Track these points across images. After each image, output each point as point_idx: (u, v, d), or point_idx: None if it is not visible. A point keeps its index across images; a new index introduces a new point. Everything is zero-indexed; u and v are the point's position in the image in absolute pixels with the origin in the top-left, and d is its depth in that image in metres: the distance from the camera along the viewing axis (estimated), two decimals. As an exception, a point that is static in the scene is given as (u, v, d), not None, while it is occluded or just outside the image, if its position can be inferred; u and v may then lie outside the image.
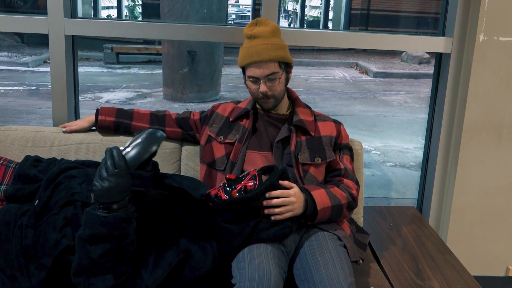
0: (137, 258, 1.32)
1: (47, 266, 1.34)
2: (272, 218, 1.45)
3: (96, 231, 1.24)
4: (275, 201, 1.45)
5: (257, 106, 1.75)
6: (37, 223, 1.40)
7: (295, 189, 1.49)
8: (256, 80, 1.62)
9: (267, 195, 1.44)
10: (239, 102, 1.81)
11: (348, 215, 1.67)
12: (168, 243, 1.36)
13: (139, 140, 1.34)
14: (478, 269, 2.30)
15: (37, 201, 1.46)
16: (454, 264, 1.83)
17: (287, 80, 1.68)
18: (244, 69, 1.67)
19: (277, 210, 1.45)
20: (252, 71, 1.62)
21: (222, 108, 1.80)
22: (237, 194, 1.43)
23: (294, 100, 1.77)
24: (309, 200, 1.52)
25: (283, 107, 1.73)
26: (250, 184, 1.44)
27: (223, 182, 1.50)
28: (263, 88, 1.61)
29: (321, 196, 1.54)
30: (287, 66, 1.67)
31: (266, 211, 1.45)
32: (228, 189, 1.45)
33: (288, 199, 1.47)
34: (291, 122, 1.69)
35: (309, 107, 1.77)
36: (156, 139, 1.36)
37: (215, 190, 1.48)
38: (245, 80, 1.67)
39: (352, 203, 1.64)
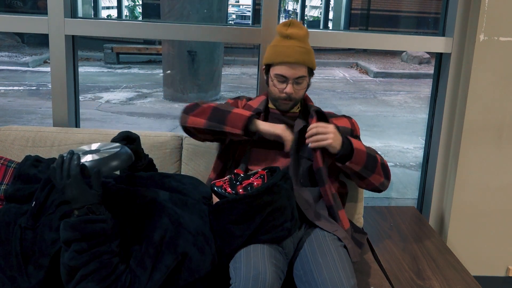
0: (135, 260, 1.31)
1: (45, 266, 1.34)
2: (310, 145, 1.56)
3: (64, 236, 1.24)
4: (311, 131, 1.56)
5: (270, 106, 1.76)
6: (36, 224, 1.40)
7: (332, 125, 1.58)
8: (284, 79, 1.64)
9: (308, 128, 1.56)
10: (249, 98, 1.81)
11: (381, 174, 1.68)
12: (166, 245, 1.35)
13: (105, 155, 1.32)
14: (478, 269, 2.30)
15: (34, 202, 1.46)
16: (454, 264, 1.83)
17: (308, 85, 1.71)
18: (269, 67, 1.68)
19: (313, 138, 1.54)
20: (282, 70, 1.63)
21: (234, 104, 1.80)
22: (241, 190, 1.43)
23: (304, 98, 1.79)
24: (346, 141, 1.59)
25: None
26: (257, 183, 1.44)
27: (229, 176, 1.50)
28: (290, 89, 1.63)
29: (357, 142, 1.62)
30: (311, 73, 1.70)
31: (306, 141, 1.56)
32: (234, 182, 1.46)
33: (323, 126, 1.56)
34: (303, 117, 1.71)
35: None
36: (120, 157, 1.33)
37: (220, 182, 1.48)
38: (268, 78, 1.69)
39: (386, 168, 1.69)
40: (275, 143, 1.66)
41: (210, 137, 1.68)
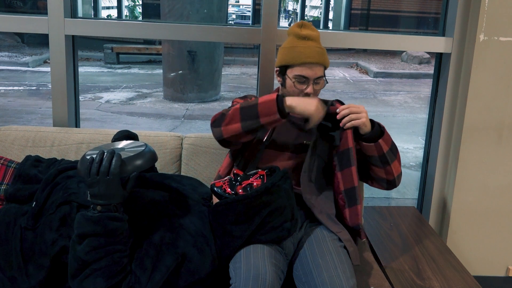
0: (135, 261, 1.31)
1: (45, 266, 1.34)
2: (345, 126, 1.56)
3: (82, 230, 1.25)
4: (344, 111, 1.55)
5: None
6: (36, 225, 1.40)
7: (362, 105, 1.58)
8: (305, 80, 1.64)
9: (337, 110, 1.55)
10: (256, 97, 1.80)
11: (400, 162, 1.69)
12: (166, 246, 1.35)
13: (136, 153, 1.33)
14: (478, 269, 2.30)
15: (34, 202, 1.46)
16: (454, 264, 1.83)
17: (324, 85, 1.72)
18: (286, 68, 1.66)
19: (347, 118, 1.55)
20: (303, 71, 1.63)
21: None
22: (240, 190, 1.43)
23: None
24: (373, 121, 1.61)
25: None
26: (257, 183, 1.44)
27: (229, 176, 1.50)
28: (310, 89, 1.64)
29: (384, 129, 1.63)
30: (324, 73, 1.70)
31: (338, 116, 1.56)
32: (234, 183, 1.46)
33: (355, 106, 1.56)
34: None
35: None
36: (144, 156, 1.35)
37: (220, 183, 1.48)
38: (286, 79, 1.67)
39: (399, 166, 1.70)
40: (288, 144, 1.65)
41: (250, 136, 1.59)
